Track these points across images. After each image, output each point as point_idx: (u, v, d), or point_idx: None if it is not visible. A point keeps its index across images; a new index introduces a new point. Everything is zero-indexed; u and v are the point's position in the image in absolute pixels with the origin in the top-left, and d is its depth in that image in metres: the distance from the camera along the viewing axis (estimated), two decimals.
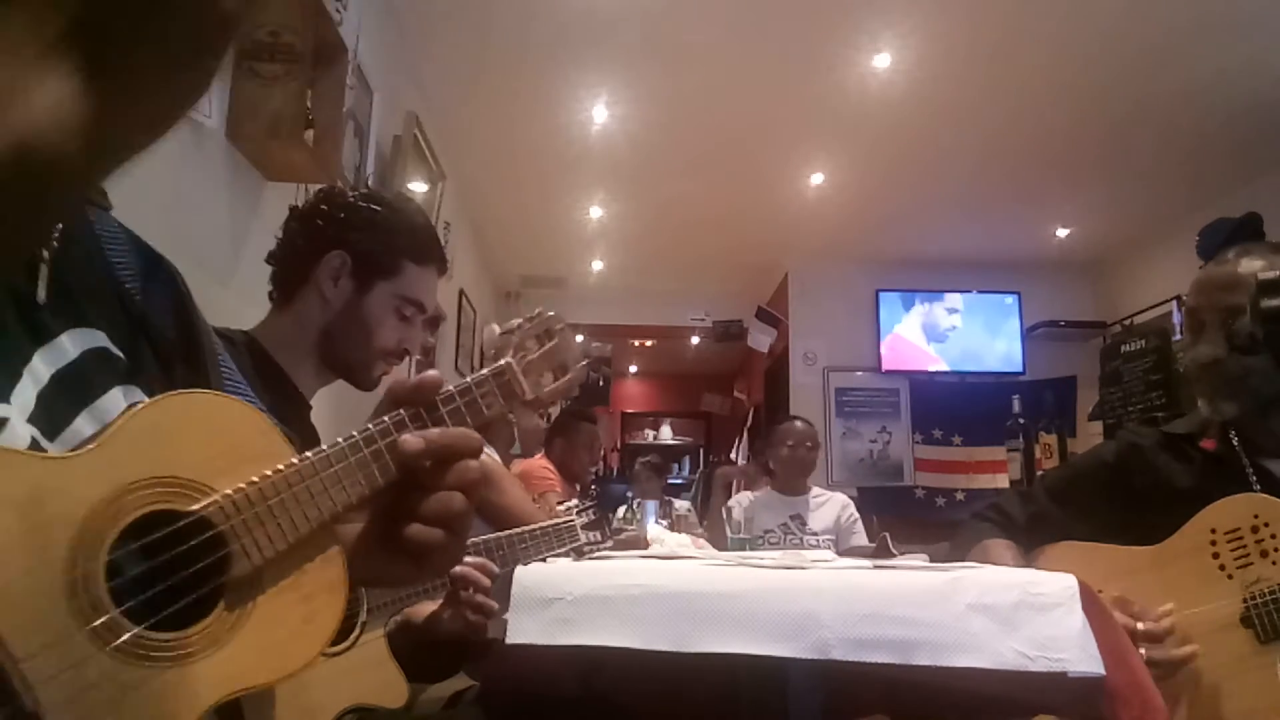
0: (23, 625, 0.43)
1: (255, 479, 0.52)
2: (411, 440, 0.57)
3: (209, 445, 0.52)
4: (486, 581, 1.24)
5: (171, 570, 0.49)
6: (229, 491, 0.51)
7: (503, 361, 0.66)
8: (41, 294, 0.51)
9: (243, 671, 0.51)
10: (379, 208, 1.27)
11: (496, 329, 0.70)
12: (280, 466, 0.53)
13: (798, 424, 3.39)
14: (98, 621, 0.45)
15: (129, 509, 0.48)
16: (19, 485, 0.44)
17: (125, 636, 0.46)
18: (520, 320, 0.71)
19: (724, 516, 2.50)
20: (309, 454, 0.55)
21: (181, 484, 0.50)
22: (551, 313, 0.71)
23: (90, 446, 0.48)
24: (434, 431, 0.58)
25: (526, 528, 1.43)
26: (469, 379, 0.64)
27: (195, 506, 0.50)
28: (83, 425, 0.51)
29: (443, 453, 0.57)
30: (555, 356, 0.70)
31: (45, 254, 0.53)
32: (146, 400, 0.52)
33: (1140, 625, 1.15)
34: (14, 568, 0.43)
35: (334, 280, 1.24)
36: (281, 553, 0.52)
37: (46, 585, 0.44)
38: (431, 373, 0.61)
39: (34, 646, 0.43)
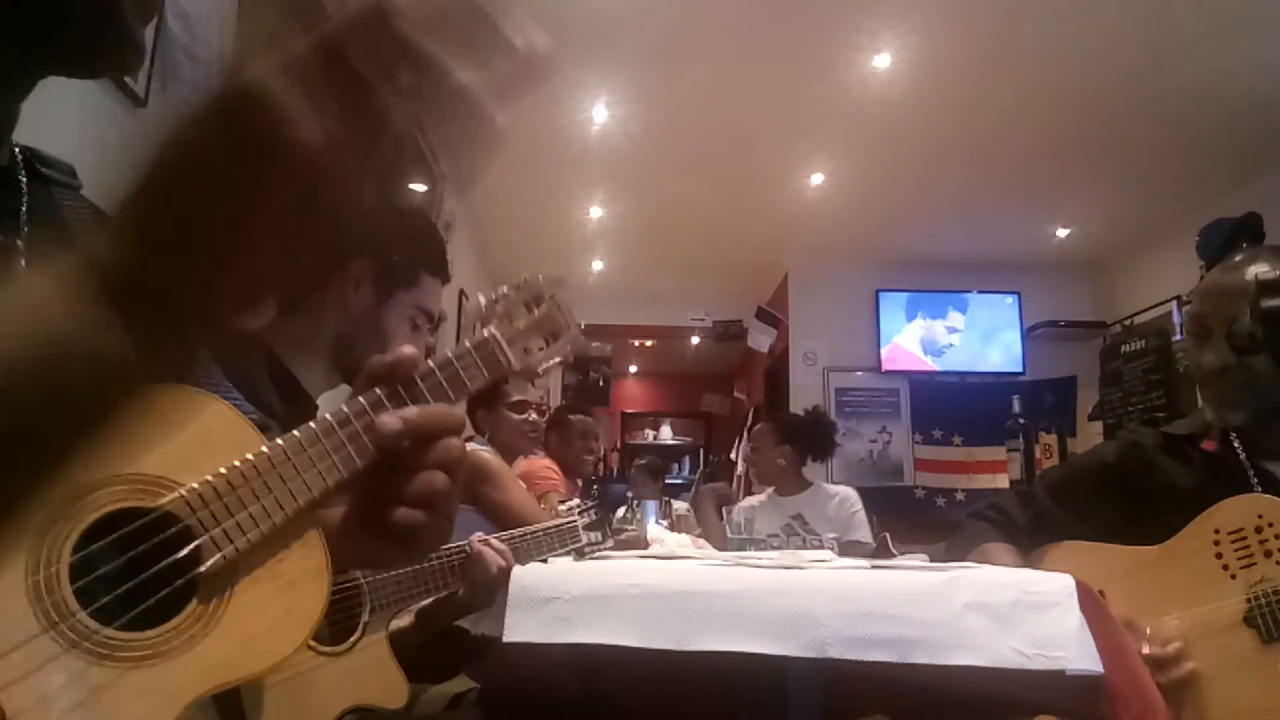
0: None
1: (222, 470, 0.50)
2: (389, 421, 0.54)
3: (173, 439, 0.50)
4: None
5: (138, 568, 0.48)
6: (194, 485, 0.49)
7: (485, 332, 0.62)
8: None
9: (222, 664, 0.50)
10: (401, 219, 1.30)
11: (482, 299, 0.65)
12: (249, 455, 0.51)
13: (757, 428, 3.33)
14: (64, 624, 0.45)
15: (90, 508, 0.47)
16: None
17: (92, 637, 0.46)
18: (506, 288, 0.66)
19: (724, 517, 2.49)
20: (279, 440, 0.53)
21: (145, 480, 0.49)
22: (541, 278, 0.68)
23: None
24: (412, 411, 0.56)
25: (528, 528, 1.43)
26: (449, 352, 0.61)
27: (159, 502, 0.49)
28: None
29: (422, 432, 0.55)
30: (546, 324, 0.66)
31: (19, 243, 0.52)
32: None
33: (1146, 649, 1.15)
34: None
35: (356, 287, 1.25)
36: (257, 543, 0.51)
37: (11, 590, 0.44)
38: (408, 349, 0.58)
39: (1, 651, 0.42)
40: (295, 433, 0.53)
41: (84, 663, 0.45)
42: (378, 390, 0.56)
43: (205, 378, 0.67)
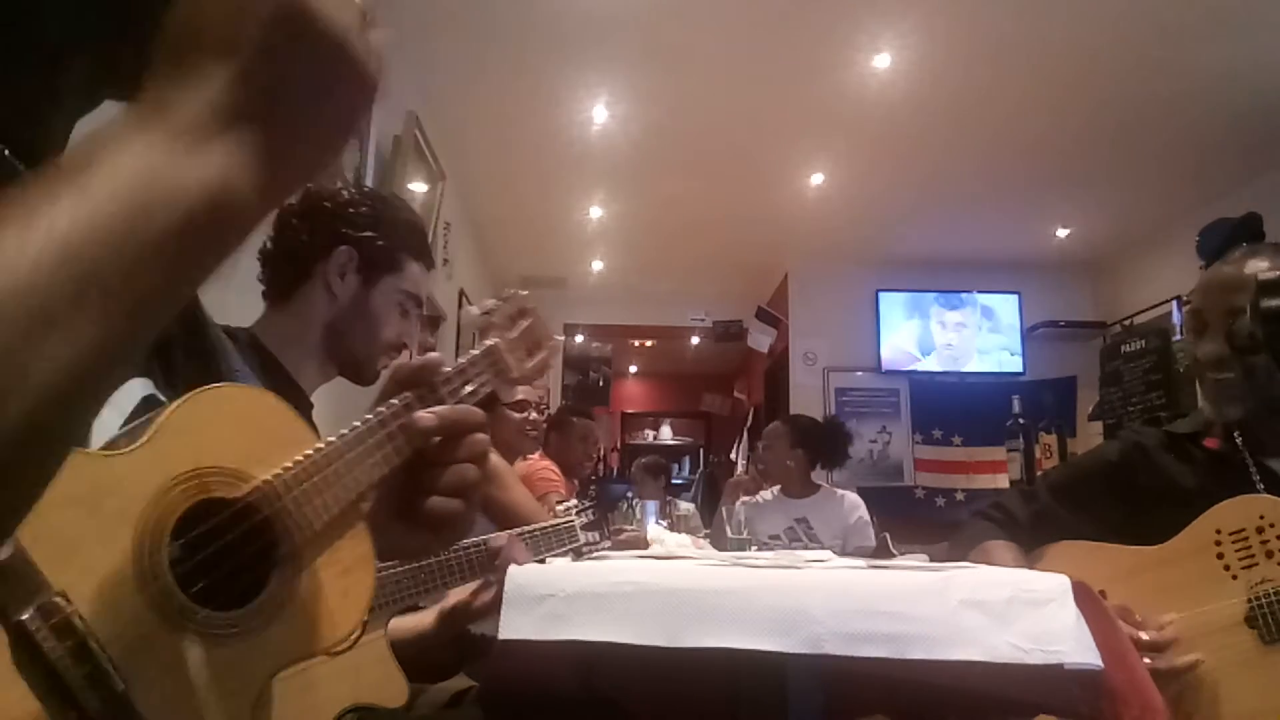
0: (105, 615, 0.47)
1: (289, 464, 0.56)
2: (426, 417, 0.60)
3: (245, 435, 0.56)
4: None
5: (227, 554, 0.53)
6: (268, 477, 0.55)
7: (490, 341, 0.70)
8: None
9: (297, 642, 0.56)
10: (380, 205, 1.30)
11: (475, 310, 0.73)
12: (309, 451, 0.57)
13: (771, 424, 3.33)
14: (170, 608, 0.50)
15: (182, 499, 0.52)
16: (82, 484, 0.48)
17: (196, 619, 0.51)
18: (495, 301, 0.73)
19: (724, 517, 2.49)
20: (333, 438, 0.58)
21: (225, 473, 0.54)
22: (524, 292, 0.75)
23: (141, 442, 0.52)
24: (444, 408, 0.62)
25: (525, 528, 1.44)
26: (462, 360, 0.67)
27: (240, 493, 0.54)
28: (107, 415, 0.54)
29: (453, 428, 0.61)
30: (531, 335, 0.73)
31: None
32: (182, 397, 0.55)
33: (1144, 635, 1.15)
34: (90, 563, 0.47)
35: (341, 275, 1.26)
36: (318, 532, 0.56)
37: (120, 577, 0.49)
38: (433, 354, 0.64)
39: (117, 633, 0.47)
40: (344, 431, 0.59)
41: (190, 641, 0.51)
42: (408, 394, 0.62)
43: (241, 373, 0.70)
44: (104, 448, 0.52)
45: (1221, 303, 1.30)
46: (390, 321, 1.28)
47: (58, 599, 0.44)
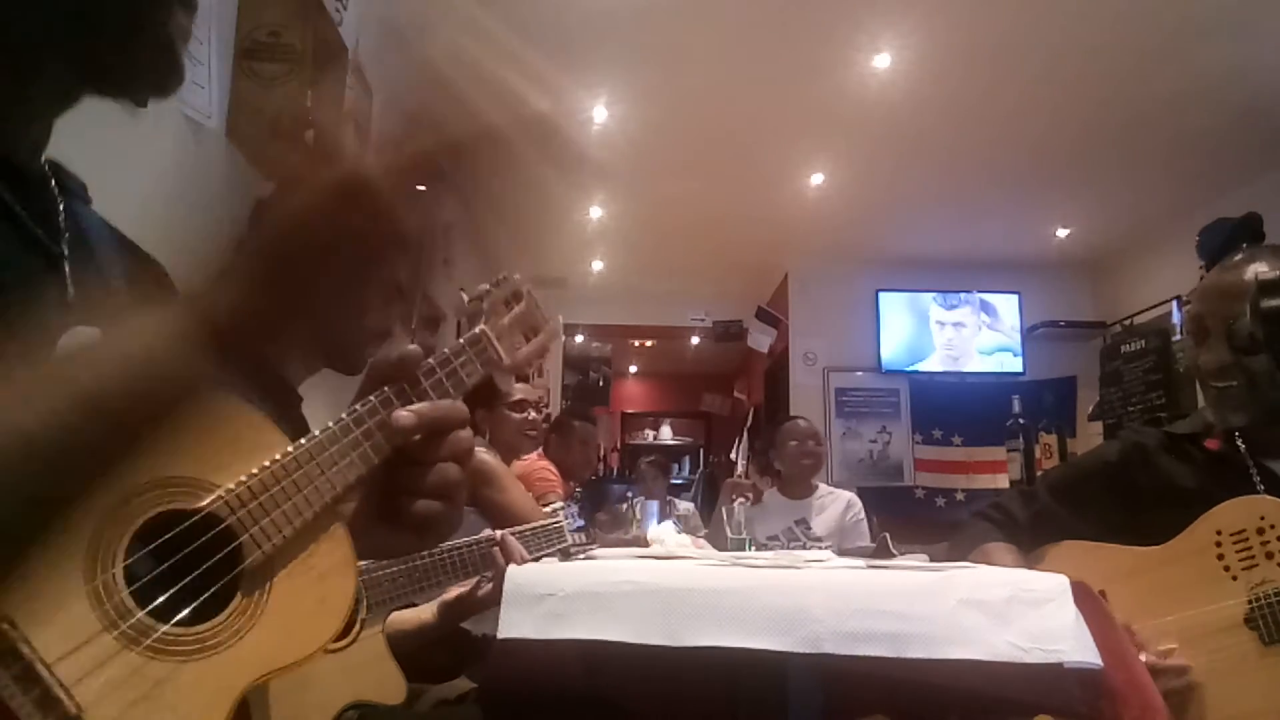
0: (57, 636, 0.45)
1: (255, 470, 0.53)
2: (404, 416, 0.57)
3: (206, 442, 0.53)
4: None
5: (187, 567, 0.50)
6: (231, 485, 0.52)
7: (477, 329, 0.66)
8: (70, 291, 0.55)
9: (269, 654, 0.53)
10: None
11: (465, 297, 0.70)
12: (277, 456, 0.54)
13: (801, 423, 3.35)
14: (125, 625, 0.47)
15: (138, 512, 0.49)
16: None
17: (151, 634, 0.48)
18: (487, 286, 0.70)
19: (724, 516, 2.48)
20: (303, 441, 0.56)
21: (185, 482, 0.51)
22: (517, 275, 0.72)
23: None
24: (424, 405, 0.59)
25: (514, 529, 1.44)
26: (446, 350, 0.64)
27: (201, 503, 0.51)
28: None
29: (434, 425, 0.58)
30: (525, 320, 0.70)
31: (64, 249, 0.56)
32: None
33: (1143, 656, 1.14)
34: (41, 582, 0.45)
35: None
36: (290, 538, 0.54)
37: (72, 595, 0.46)
38: (411, 347, 0.61)
39: (68, 653, 0.45)
40: (316, 433, 0.56)
41: (144, 658, 0.48)
42: (386, 389, 0.59)
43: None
44: None
45: (1222, 309, 1.29)
46: (374, 310, 1.29)
47: (3, 624, 0.43)
